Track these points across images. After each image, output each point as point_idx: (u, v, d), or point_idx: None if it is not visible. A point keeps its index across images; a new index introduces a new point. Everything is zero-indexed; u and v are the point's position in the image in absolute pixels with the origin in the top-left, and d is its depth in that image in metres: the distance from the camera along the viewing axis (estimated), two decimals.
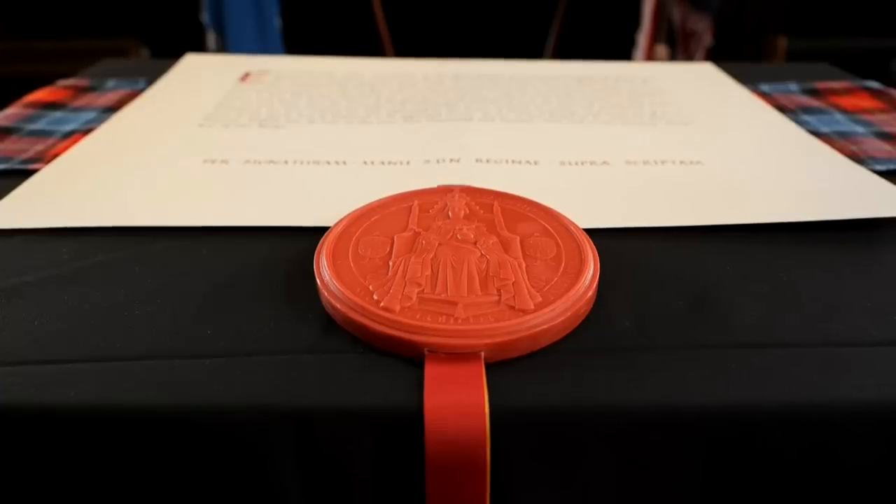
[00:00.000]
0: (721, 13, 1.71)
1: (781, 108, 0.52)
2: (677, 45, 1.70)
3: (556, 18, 1.78)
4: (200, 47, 1.64)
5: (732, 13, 2.34)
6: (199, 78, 0.57)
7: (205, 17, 1.54)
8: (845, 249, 0.32)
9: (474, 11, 2.24)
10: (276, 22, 1.51)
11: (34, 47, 2.17)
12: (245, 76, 0.58)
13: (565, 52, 1.86)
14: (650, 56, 1.65)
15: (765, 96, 0.55)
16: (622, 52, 1.75)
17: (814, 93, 0.56)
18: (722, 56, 1.94)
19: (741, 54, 2.43)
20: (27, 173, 0.39)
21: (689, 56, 1.65)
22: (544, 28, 1.84)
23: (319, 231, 0.30)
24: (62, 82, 0.58)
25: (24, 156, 0.42)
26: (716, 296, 0.28)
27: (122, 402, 0.22)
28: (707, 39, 1.64)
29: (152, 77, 0.58)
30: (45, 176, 0.38)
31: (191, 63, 0.62)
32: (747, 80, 0.59)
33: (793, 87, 0.58)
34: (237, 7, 1.44)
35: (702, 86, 0.57)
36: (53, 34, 2.31)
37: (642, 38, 1.67)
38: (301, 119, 0.47)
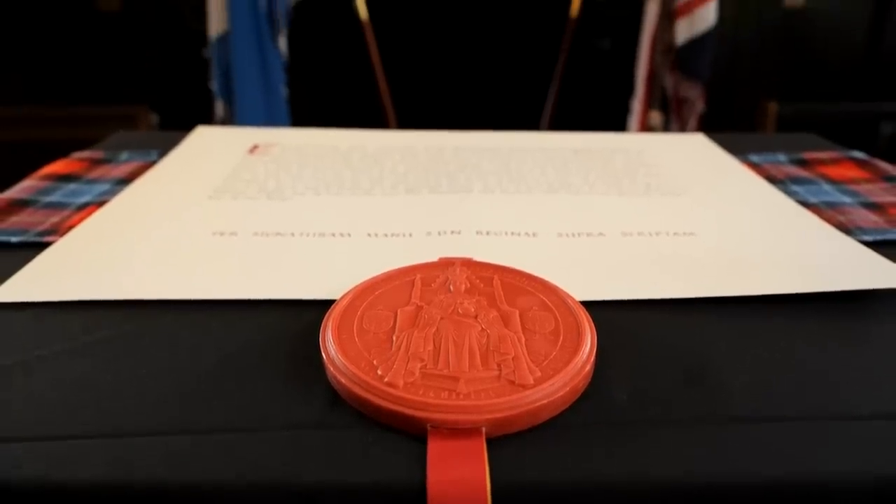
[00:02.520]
0: (713, 79, 1.77)
1: (771, 179, 0.54)
2: (671, 112, 1.75)
3: (554, 85, 1.85)
4: (209, 114, 1.70)
5: (724, 80, 2.42)
6: (209, 150, 0.60)
7: (214, 85, 1.59)
8: (836, 321, 0.33)
9: (475, 80, 2.32)
10: (283, 91, 1.56)
11: (48, 114, 2.24)
12: (253, 148, 0.60)
13: (563, 117, 1.91)
14: (644, 122, 1.70)
15: (755, 166, 0.57)
16: (617, 118, 1.80)
17: (802, 163, 0.58)
18: (715, 121, 2.00)
19: (734, 119, 2.50)
20: (42, 245, 0.40)
21: (682, 122, 1.70)
22: (542, 94, 1.90)
23: (325, 304, 0.31)
24: (77, 154, 0.60)
25: (40, 228, 0.44)
26: (710, 368, 0.28)
27: (131, 479, 0.22)
28: (699, 106, 1.69)
29: (164, 149, 0.60)
30: (59, 249, 0.39)
31: (202, 135, 0.64)
32: (737, 150, 0.61)
33: (781, 157, 0.60)
34: (245, 77, 1.50)
35: (694, 157, 0.59)
36: (67, 101, 2.38)
37: (637, 104, 1.72)
38: (307, 191, 0.49)
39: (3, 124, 2.13)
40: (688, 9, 1.61)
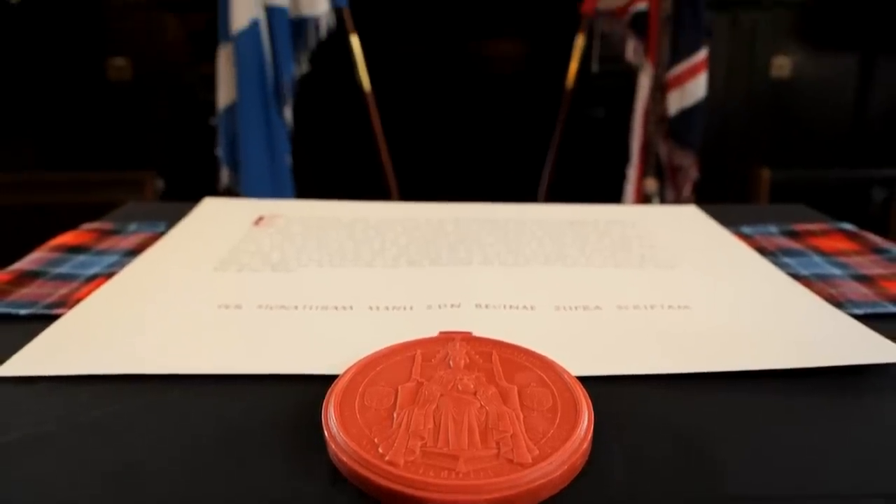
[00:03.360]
0: (706, 147, 1.83)
1: (762, 250, 0.55)
2: (666, 179, 1.79)
3: (551, 153, 1.90)
4: (213, 180, 1.74)
5: (716, 147, 2.49)
6: (215, 222, 0.61)
7: (220, 152, 1.64)
8: (830, 396, 0.33)
9: (474, 150, 2.38)
10: (287, 160, 1.61)
11: (57, 179, 2.29)
12: (259, 220, 0.61)
13: (561, 185, 1.96)
14: (640, 189, 1.74)
15: (746, 238, 0.58)
16: (614, 185, 1.85)
17: (792, 234, 0.60)
18: (709, 187, 2.05)
19: (728, 186, 2.56)
20: (50, 318, 0.41)
21: (677, 189, 1.74)
22: (540, 161, 1.95)
23: (327, 379, 0.32)
24: (87, 225, 0.62)
25: (49, 300, 0.45)
26: (707, 445, 0.29)
27: None
28: (693, 173, 1.73)
29: (172, 220, 0.62)
30: (66, 323, 0.40)
31: (209, 207, 0.66)
32: (729, 221, 0.63)
33: (772, 228, 0.61)
34: (251, 145, 1.54)
35: (687, 228, 0.60)
36: (76, 167, 2.44)
37: (632, 172, 1.76)
38: (311, 263, 0.50)
39: (15, 189, 2.17)
40: (678, 81, 1.68)
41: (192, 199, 0.69)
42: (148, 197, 2.23)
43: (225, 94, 1.58)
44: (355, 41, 1.71)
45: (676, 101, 1.69)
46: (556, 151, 1.88)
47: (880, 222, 2.43)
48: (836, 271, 0.51)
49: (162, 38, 2.39)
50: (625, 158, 1.82)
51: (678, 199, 1.73)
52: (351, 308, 0.42)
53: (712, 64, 2.21)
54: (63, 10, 2.36)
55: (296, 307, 0.42)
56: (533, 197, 1.96)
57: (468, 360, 0.32)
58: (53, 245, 0.56)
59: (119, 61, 2.42)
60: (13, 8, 2.17)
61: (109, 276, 0.49)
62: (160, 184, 2.32)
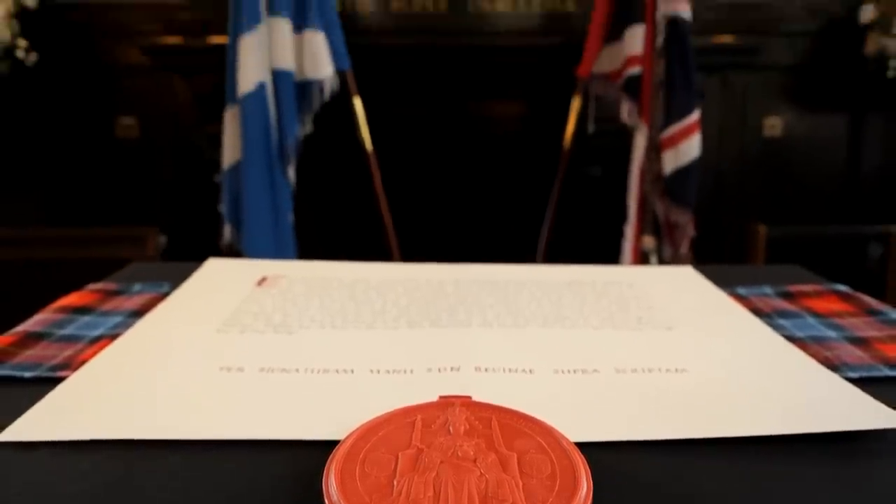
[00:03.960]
0: (702, 204, 1.85)
1: (758, 312, 0.56)
2: (664, 236, 1.81)
3: (550, 211, 1.92)
4: (215, 237, 1.76)
5: (712, 205, 2.52)
6: (219, 282, 0.62)
7: (224, 209, 1.66)
8: (827, 461, 0.33)
9: (475, 208, 2.41)
10: (290, 217, 1.63)
11: (60, 234, 2.31)
12: (262, 280, 0.62)
13: (560, 242, 1.98)
14: (638, 246, 1.75)
15: (742, 299, 0.59)
16: (612, 242, 1.87)
17: (787, 296, 0.61)
18: (707, 244, 2.06)
19: (725, 243, 2.58)
20: (55, 380, 0.42)
21: (675, 246, 1.75)
22: (539, 217, 1.98)
23: (329, 444, 0.32)
24: (91, 286, 0.62)
25: (53, 362, 0.45)
26: None
27: None
28: (690, 230, 1.75)
29: (176, 280, 0.63)
30: (69, 387, 0.41)
31: (212, 267, 0.67)
32: (725, 282, 0.64)
33: (768, 289, 0.62)
34: (255, 204, 1.57)
35: (683, 290, 0.61)
36: (80, 222, 2.47)
37: (630, 230, 1.78)
38: (312, 324, 0.51)
39: (18, 244, 2.19)
40: (673, 142, 1.72)
41: (194, 254, 0.70)
42: (150, 253, 2.24)
43: (230, 153, 1.62)
44: (358, 103, 1.76)
45: (671, 161, 1.72)
46: (554, 209, 1.91)
47: (878, 278, 2.44)
48: (832, 333, 0.51)
49: (169, 99, 2.46)
50: (622, 216, 1.85)
51: (676, 256, 1.74)
52: (352, 371, 0.43)
53: (706, 124, 2.27)
54: (75, 71, 2.43)
55: (297, 370, 0.43)
56: (532, 253, 1.98)
57: (468, 426, 0.33)
58: (58, 306, 0.57)
59: (127, 120, 2.48)
60: (28, 69, 2.25)
61: (114, 337, 0.49)
62: (162, 240, 2.34)
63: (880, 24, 2.33)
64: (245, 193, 1.57)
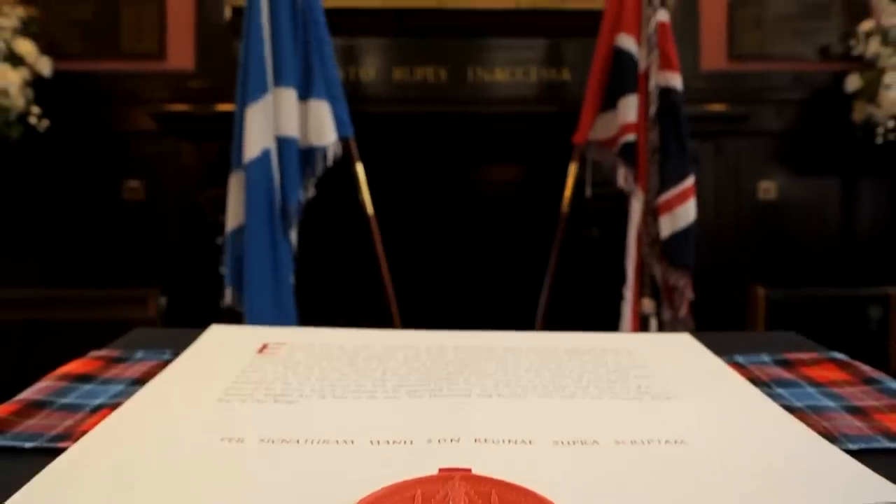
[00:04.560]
0: (700, 267, 1.87)
1: (756, 381, 0.56)
2: (663, 299, 1.82)
3: (549, 272, 1.94)
4: (216, 298, 1.77)
5: (710, 267, 2.54)
6: (220, 350, 0.63)
7: (225, 272, 1.68)
8: None
9: (474, 272, 2.43)
10: (291, 280, 1.64)
11: (62, 295, 2.32)
12: (263, 347, 0.63)
13: (559, 304, 1.98)
14: (637, 309, 1.76)
15: (740, 367, 0.60)
16: (612, 305, 1.87)
17: (785, 364, 0.61)
18: (706, 306, 2.07)
19: (724, 305, 2.58)
20: (55, 451, 0.42)
21: (674, 308, 1.76)
22: (538, 279, 1.99)
23: None
24: (94, 353, 0.63)
25: (54, 432, 0.45)
26: None
27: None
28: (688, 293, 1.76)
29: (178, 347, 0.64)
30: (69, 459, 0.41)
31: (214, 334, 0.68)
32: (723, 349, 0.64)
33: (765, 357, 0.63)
34: (257, 267, 1.58)
35: (681, 358, 0.62)
36: (83, 283, 2.48)
37: (629, 293, 1.79)
38: (313, 394, 0.51)
39: (20, 306, 2.20)
40: (669, 206, 1.75)
41: (195, 315, 0.71)
42: (151, 314, 2.25)
43: (233, 217, 1.65)
44: (360, 168, 1.80)
45: (668, 225, 1.75)
46: (553, 271, 1.92)
47: (879, 340, 2.43)
48: (830, 403, 0.51)
49: (175, 163, 2.52)
50: (621, 277, 1.86)
51: (675, 319, 1.75)
52: (352, 442, 0.43)
53: (702, 188, 2.32)
54: (85, 136, 2.50)
55: (297, 441, 0.43)
56: (532, 314, 1.98)
57: (467, 501, 0.33)
58: (60, 374, 0.57)
59: (133, 183, 2.53)
60: (39, 134, 2.31)
61: (114, 406, 0.49)
62: (163, 301, 2.35)
63: (866, 94, 2.41)
64: (247, 256, 1.59)
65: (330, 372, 0.56)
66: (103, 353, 0.63)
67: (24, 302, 2.23)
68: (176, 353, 0.62)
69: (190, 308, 2.37)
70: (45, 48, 2.35)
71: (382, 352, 0.61)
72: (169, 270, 2.52)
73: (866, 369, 0.59)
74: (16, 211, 2.52)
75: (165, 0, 2.49)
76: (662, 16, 1.80)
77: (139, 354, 0.62)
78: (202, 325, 0.70)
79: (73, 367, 0.59)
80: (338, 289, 2.39)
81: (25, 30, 2.32)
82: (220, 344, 0.65)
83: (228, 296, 1.67)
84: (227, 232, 1.67)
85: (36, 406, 0.50)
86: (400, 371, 0.56)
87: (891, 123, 2.31)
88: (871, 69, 2.42)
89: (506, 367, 0.57)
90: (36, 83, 2.31)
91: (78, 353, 0.62)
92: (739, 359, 0.62)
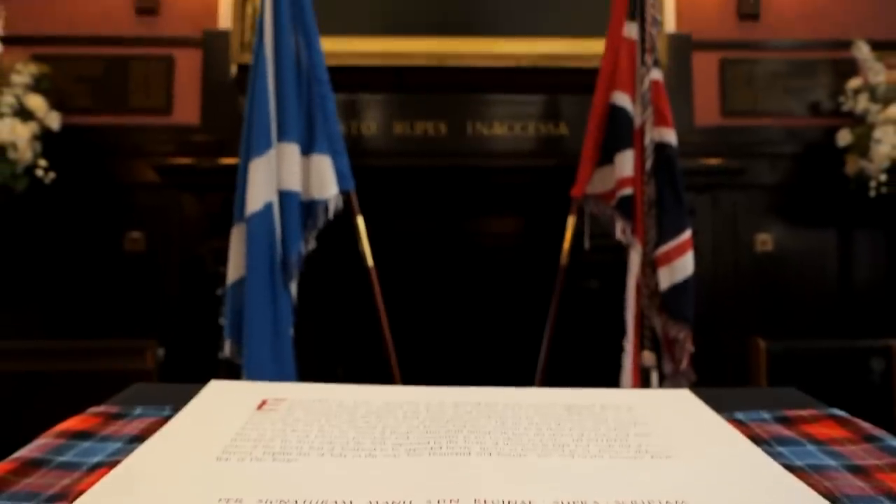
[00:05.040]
0: (700, 319, 1.87)
1: (757, 439, 0.56)
2: (663, 351, 1.81)
3: (549, 324, 1.94)
4: (214, 350, 1.76)
5: (710, 319, 2.53)
6: (220, 406, 0.63)
7: (225, 324, 1.67)
8: None
9: (474, 325, 2.43)
10: (290, 332, 1.64)
11: (60, 346, 2.31)
12: (262, 404, 0.63)
13: (559, 356, 1.97)
14: (637, 362, 1.75)
15: (740, 425, 0.59)
16: (612, 356, 1.86)
17: (785, 421, 0.61)
18: (707, 359, 2.06)
19: (725, 356, 2.57)
20: None
21: (675, 361, 1.75)
22: (538, 331, 1.98)
23: None
24: (93, 409, 0.63)
25: (50, 491, 0.45)
26: None
27: None
28: (689, 346, 1.76)
29: (177, 403, 0.63)
30: None
31: (214, 390, 0.67)
32: (723, 406, 0.64)
33: (765, 415, 0.63)
34: (256, 320, 1.58)
35: (681, 415, 0.62)
36: (82, 334, 2.47)
37: (629, 345, 1.79)
38: (312, 452, 0.51)
39: (18, 357, 2.19)
40: (667, 259, 1.76)
41: (193, 367, 0.71)
42: (149, 365, 2.23)
43: (234, 269, 1.66)
44: (360, 221, 1.82)
45: (667, 278, 1.76)
46: (553, 323, 1.92)
47: (882, 392, 2.41)
48: (831, 462, 0.51)
49: (177, 214, 2.55)
50: (621, 328, 1.86)
51: (676, 372, 1.74)
52: (351, 503, 0.42)
53: (700, 240, 2.34)
54: (89, 188, 2.53)
55: (296, 502, 0.42)
56: (532, 365, 1.97)
57: None
58: (58, 431, 0.57)
59: (135, 234, 2.55)
60: (44, 185, 2.34)
61: (113, 465, 0.49)
62: (161, 352, 2.33)
63: (857, 148, 2.46)
64: (247, 309, 1.59)
65: (329, 429, 0.56)
66: (102, 409, 0.63)
67: (24, 353, 2.22)
68: (175, 409, 0.62)
69: (188, 359, 2.35)
70: (55, 103, 2.41)
71: (382, 408, 0.61)
72: (168, 321, 2.52)
73: (866, 426, 0.59)
74: (18, 262, 2.53)
75: (174, 57, 2.56)
76: (656, 74, 1.85)
77: (138, 411, 0.62)
78: (200, 377, 0.70)
79: (72, 423, 0.59)
80: (337, 341, 2.38)
81: (37, 86, 2.39)
82: (219, 400, 0.65)
83: (227, 348, 1.67)
84: (227, 284, 1.67)
85: (33, 465, 0.50)
86: (399, 429, 0.56)
87: (883, 177, 2.36)
88: (861, 124, 2.47)
89: (505, 425, 0.57)
90: (44, 136, 2.35)
91: (75, 405, 0.62)
92: (740, 416, 0.62)
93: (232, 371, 1.72)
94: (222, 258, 1.81)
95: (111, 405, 0.64)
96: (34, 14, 2.57)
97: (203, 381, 0.69)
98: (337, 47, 2.24)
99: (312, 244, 1.74)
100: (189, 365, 2.33)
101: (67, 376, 2.08)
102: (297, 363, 1.68)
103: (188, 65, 2.57)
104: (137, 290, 2.55)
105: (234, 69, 2.40)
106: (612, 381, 1.83)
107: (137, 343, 2.33)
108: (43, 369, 2.16)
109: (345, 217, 1.81)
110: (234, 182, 1.72)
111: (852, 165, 2.49)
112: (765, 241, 2.66)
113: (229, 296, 1.66)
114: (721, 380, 2.54)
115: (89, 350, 2.30)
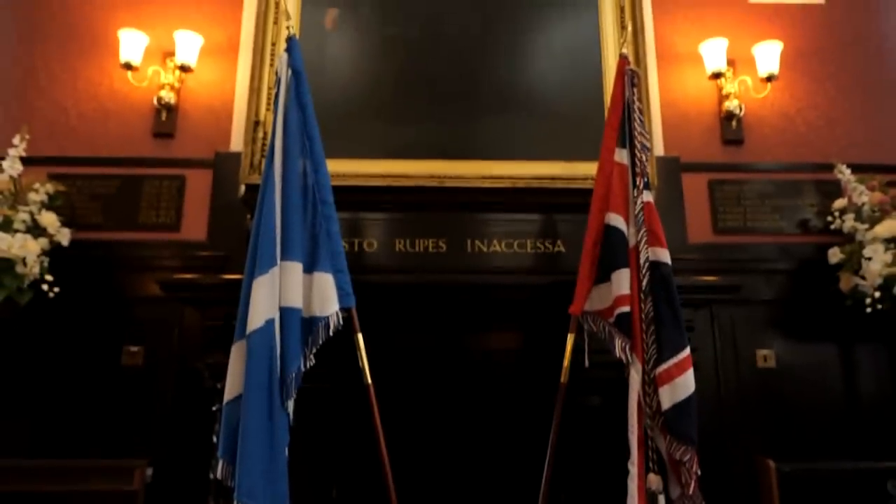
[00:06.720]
0: (706, 438, 1.82)
1: None
2: (669, 473, 1.75)
3: (551, 444, 1.88)
4: (205, 469, 1.70)
5: (716, 438, 2.47)
6: None
7: (218, 444, 1.63)
8: None
9: (473, 445, 2.36)
10: (285, 452, 1.60)
11: (47, 465, 2.24)
12: None
13: (562, 475, 1.90)
14: (643, 485, 1.69)
15: None
16: (617, 478, 1.79)
17: None
18: (715, 480, 1.98)
19: (733, 477, 2.47)
20: None
21: (682, 485, 1.69)
22: (540, 449, 1.93)
23: None
24: None
25: None
26: None
27: None
28: (695, 469, 1.70)
29: None
30: None
31: None
32: None
33: None
34: (251, 439, 1.55)
35: None
36: (70, 453, 2.39)
37: (634, 468, 1.73)
38: None
39: (5, 475, 2.12)
40: (668, 377, 1.75)
41: (182, 488, 0.68)
42: (136, 486, 2.15)
43: (232, 387, 1.64)
44: (360, 338, 1.83)
45: (669, 397, 1.74)
46: (554, 442, 1.87)
47: None
48: None
49: (176, 328, 2.53)
50: (624, 446, 1.80)
51: (684, 497, 1.67)
52: None
53: (699, 356, 2.32)
54: (91, 302, 2.54)
55: None
56: (535, 484, 1.89)
57: None
58: None
59: (133, 348, 2.53)
60: (48, 300, 2.35)
61: None
62: (149, 472, 2.25)
63: (849, 265, 2.50)
64: (243, 427, 1.56)
65: None
66: None
67: (9, 471, 2.16)
68: None
69: (177, 479, 2.26)
70: (68, 219, 2.49)
71: None
72: (160, 437, 2.44)
73: None
74: (15, 375, 2.50)
75: (185, 177, 2.68)
76: (647, 196, 1.93)
77: None
78: (188, 498, 0.68)
79: None
80: (332, 460, 2.30)
81: (51, 203, 2.47)
82: None
83: (220, 469, 1.61)
84: (224, 402, 1.65)
85: None
86: None
87: (877, 294, 2.38)
88: (851, 242, 2.53)
89: None
90: (53, 250, 2.40)
91: None
92: None
93: (221, 492, 1.65)
94: (220, 373, 1.79)
95: None
96: (57, 136, 2.72)
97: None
98: (341, 168, 2.35)
99: (311, 361, 1.74)
100: (178, 485, 2.24)
101: (52, 498, 2.00)
102: (290, 483, 1.62)
103: (199, 184, 2.67)
104: (131, 406, 2.50)
105: (242, 189, 2.49)
106: None
107: (125, 462, 2.26)
108: (28, 489, 2.08)
109: (345, 333, 1.81)
110: (236, 296, 1.74)
111: (846, 282, 2.52)
112: (766, 356, 2.65)
113: (225, 413, 1.63)
114: (731, 503, 2.44)
115: (76, 469, 2.23)
